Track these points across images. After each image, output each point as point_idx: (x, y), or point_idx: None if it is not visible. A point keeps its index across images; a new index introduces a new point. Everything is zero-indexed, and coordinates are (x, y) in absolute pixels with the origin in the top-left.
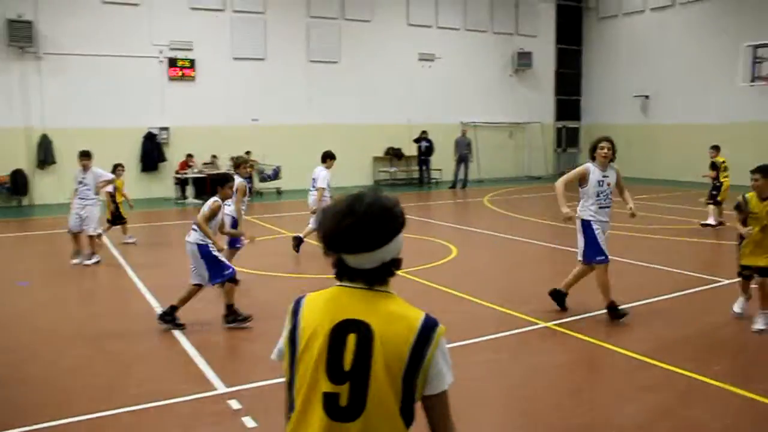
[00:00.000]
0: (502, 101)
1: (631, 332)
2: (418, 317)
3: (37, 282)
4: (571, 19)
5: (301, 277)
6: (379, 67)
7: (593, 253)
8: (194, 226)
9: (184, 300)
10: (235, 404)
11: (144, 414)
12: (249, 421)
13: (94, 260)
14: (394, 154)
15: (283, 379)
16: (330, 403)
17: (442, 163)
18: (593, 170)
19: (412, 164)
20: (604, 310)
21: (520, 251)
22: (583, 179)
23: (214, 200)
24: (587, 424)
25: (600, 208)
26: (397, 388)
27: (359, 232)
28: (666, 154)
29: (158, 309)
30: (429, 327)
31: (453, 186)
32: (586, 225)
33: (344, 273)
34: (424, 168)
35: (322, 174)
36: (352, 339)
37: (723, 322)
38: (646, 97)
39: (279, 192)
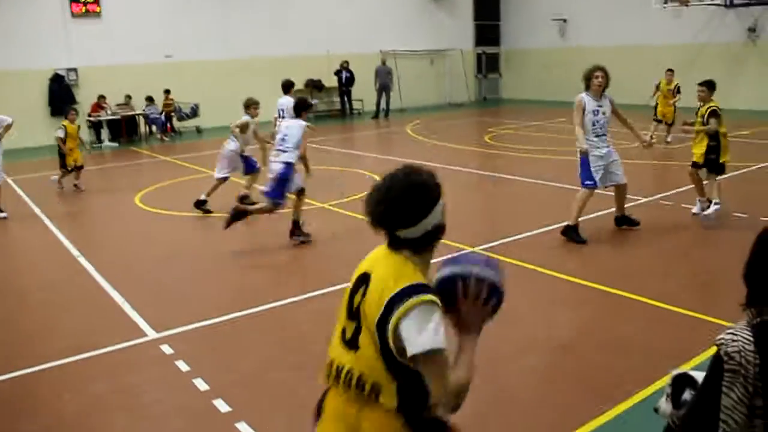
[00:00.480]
0: (421, 28)
1: (553, 252)
2: (397, 286)
3: None
4: None
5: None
6: None
7: (584, 177)
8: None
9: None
10: (167, 349)
11: (71, 366)
12: (182, 365)
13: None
14: (314, 86)
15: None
16: (342, 334)
17: (363, 93)
18: (588, 101)
19: (333, 95)
20: (530, 233)
21: (444, 178)
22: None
23: None
24: (517, 346)
25: (597, 137)
26: (375, 336)
27: (396, 214)
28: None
29: (81, 258)
30: (398, 298)
31: (376, 116)
32: (584, 153)
33: (393, 242)
34: (345, 99)
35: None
36: (362, 288)
37: (641, 238)
38: (564, 20)
39: (199, 130)
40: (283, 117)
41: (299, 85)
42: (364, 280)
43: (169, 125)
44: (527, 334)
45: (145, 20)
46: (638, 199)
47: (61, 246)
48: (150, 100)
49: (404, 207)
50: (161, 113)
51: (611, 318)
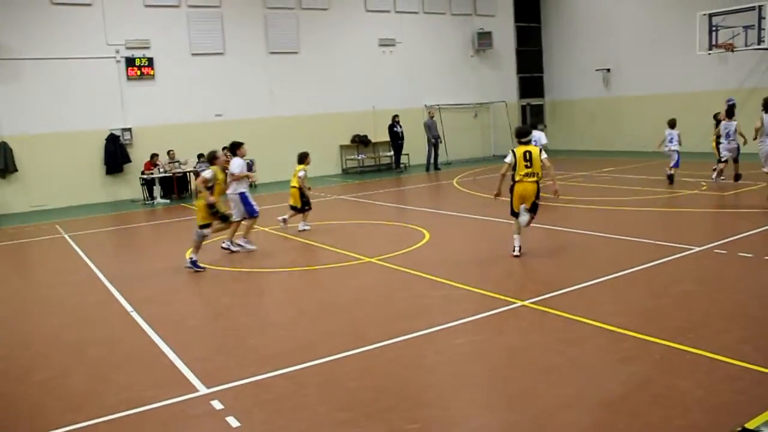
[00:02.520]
0: (465, 82)
1: (607, 305)
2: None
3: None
4: None
5: (262, 270)
6: (340, 55)
7: None
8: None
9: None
10: (217, 405)
11: (123, 421)
12: (233, 421)
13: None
14: (360, 141)
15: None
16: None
17: (408, 147)
18: None
19: (379, 150)
20: (580, 285)
21: (493, 231)
22: None
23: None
24: (568, 401)
25: None
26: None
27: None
28: (630, 125)
29: (134, 313)
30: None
31: (427, 169)
32: None
33: None
34: (397, 153)
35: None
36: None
37: (695, 289)
38: (608, 70)
39: (252, 185)
40: None
41: (346, 140)
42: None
43: None
44: (577, 388)
45: (196, 81)
46: (691, 248)
47: (115, 301)
48: (200, 157)
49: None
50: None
51: (667, 372)
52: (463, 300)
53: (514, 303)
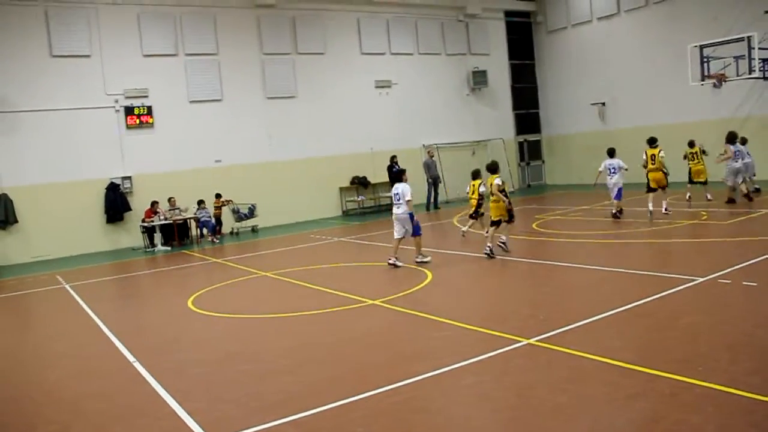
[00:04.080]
0: (461, 121)
1: (612, 340)
2: None
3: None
4: (521, 34)
5: (271, 316)
6: (337, 97)
7: None
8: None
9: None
10: None
11: None
12: None
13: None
14: (360, 183)
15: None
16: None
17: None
18: None
19: (379, 191)
20: (585, 321)
21: (495, 269)
22: None
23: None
24: None
25: None
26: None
27: None
28: (627, 158)
29: (136, 363)
30: None
31: (427, 209)
32: None
33: None
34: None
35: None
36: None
37: (701, 320)
38: (603, 104)
39: (254, 230)
40: None
41: (345, 182)
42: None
43: (218, 227)
44: (586, 427)
45: (195, 128)
46: (695, 279)
47: (117, 351)
48: (201, 203)
49: None
50: (213, 215)
51: (677, 407)
52: (467, 340)
53: (520, 341)
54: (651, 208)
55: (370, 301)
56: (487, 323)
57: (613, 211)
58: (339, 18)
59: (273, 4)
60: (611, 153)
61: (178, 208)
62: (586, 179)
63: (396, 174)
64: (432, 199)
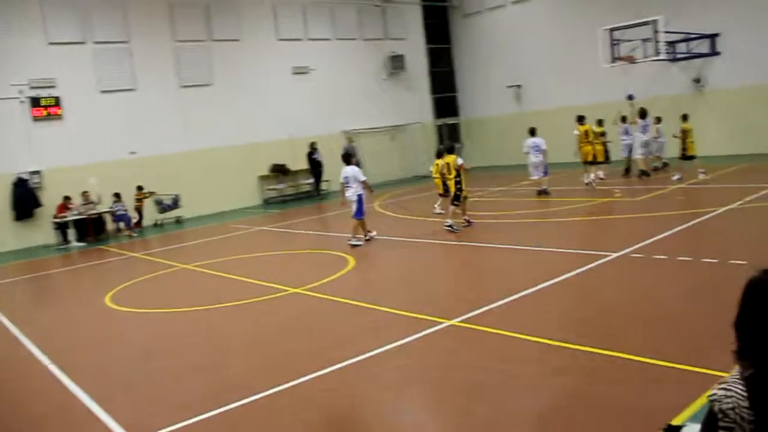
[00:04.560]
0: (380, 106)
1: (533, 317)
2: None
3: None
4: (437, 19)
5: (180, 311)
6: (254, 85)
7: None
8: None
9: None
10: None
11: None
12: None
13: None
14: (279, 171)
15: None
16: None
17: (328, 173)
18: None
19: (299, 179)
20: (506, 300)
21: (417, 252)
22: None
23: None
24: (503, 417)
25: None
26: None
27: None
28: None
29: (52, 366)
30: None
31: None
32: None
33: None
34: (317, 180)
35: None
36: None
37: (617, 295)
38: (518, 86)
39: (179, 221)
40: None
41: (264, 170)
42: None
43: (137, 221)
44: (512, 403)
45: (107, 119)
46: (609, 255)
47: (30, 354)
48: (117, 196)
49: None
50: (135, 208)
51: (598, 380)
52: (391, 324)
53: (443, 323)
54: (588, 179)
55: (292, 290)
56: (410, 307)
57: (544, 188)
58: (254, 4)
59: None
60: (533, 132)
61: (93, 202)
62: (504, 160)
63: (343, 158)
64: None
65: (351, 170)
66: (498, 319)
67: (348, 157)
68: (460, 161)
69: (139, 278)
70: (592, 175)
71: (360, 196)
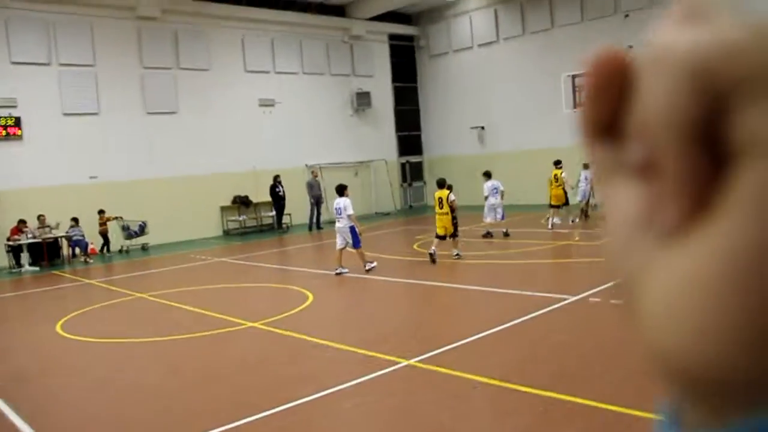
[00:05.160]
0: (345, 141)
1: (491, 359)
2: None
3: None
4: (405, 57)
5: (132, 341)
6: (220, 115)
7: None
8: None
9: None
10: None
11: None
12: None
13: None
14: (242, 202)
15: None
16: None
17: (290, 207)
18: None
19: (261, 211)
20: (464, 341)
21: (376, 290)
22: None
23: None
24: None
25: None
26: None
27: None
28: (505, 180)
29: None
30: None
31: (310, 228)
32: None
33: None
34: (280, 213)
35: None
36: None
37: (573, 338)
38: (482, 127)
39: (144, 248)
40: None
41: (227, 201)
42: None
43: (93, 247)
44: None
45: (69, 142)
46: (566, 298)
47: None
48: (75, 221)
49: None
50: (99, 233)
51: (550, 423)
52: (348, 362)
53: (400, 362)
54: (552, 222)
55: (249, 324)
56: (368, 345)
57: (504, 231)
58: (223, 34)
59: (156, 17)
60: (489, 175)
61: (49, 226)
62: (467, 200)
63: (337, 189)
64: (314, 219)
65: (343, 202)
66: (455, 359)
67: (342, 189)
68: (452, 197)
69: (93, 306)
70: (556, 218)
71: (352, 227)
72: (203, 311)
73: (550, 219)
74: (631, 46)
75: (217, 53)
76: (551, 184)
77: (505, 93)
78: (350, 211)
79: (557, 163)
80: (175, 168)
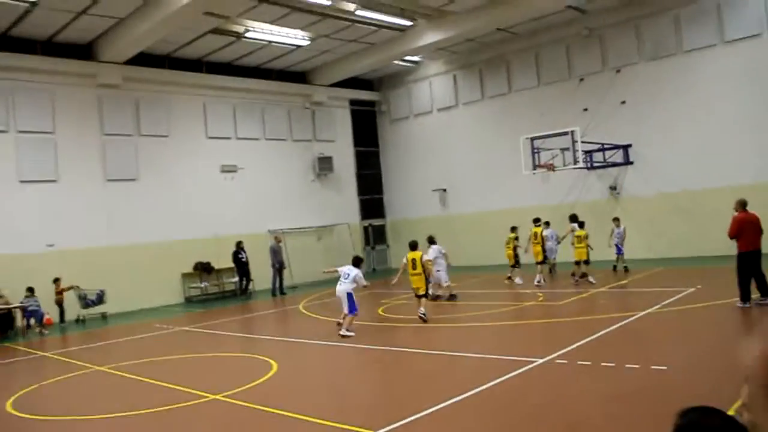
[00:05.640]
0: (307, 206)
1: (459, 427)
2: None
3: None
4: (366, 122)
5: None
6: (181, 181)
7: None
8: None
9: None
10: None
11: None
12: None
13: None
14: (203, 269)
15: None
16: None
17: (253, 272)
18: None
19: (223, 277)
20: (432, 409)
21: (342, 357)
22: None
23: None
24: None
25: None
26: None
27: None
28: (467, 241)
29: None
30: None
31: (273, 294)
32: None
33: None
34: (243, 279)
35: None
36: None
37: (541, 401)
38: (444, 190)
39: (104, 317)
40: None
41: (188, 268)
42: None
43: (49, 317)
44: None
45: (25, 210)
46: (534, 361)
47: None
48: (30, 291)
49: None
50: (55, 302)
51: None
52: None
53: None
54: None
55: (212, 396)
56: (333, 415)
57: (438, 294)
58: (184, 101)
59: (117, 84)
60: (433, 240)
61: (2, 296)
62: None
63: (353, 260)
64: (277, 285)
65: (357, 272)
66: (424, 428)
67: (358, 261)
68: (425, 257)
69: (47, 381)
70: (518, 279)
71: (350, 293)
72: (164, 384)
73: (518, 279)
74: (585, 109)
75: (179, 120)
76: (530, 241)
77: (466, 155)
78: (364, 283)
79: (536, 221)
80: (136, 235)
